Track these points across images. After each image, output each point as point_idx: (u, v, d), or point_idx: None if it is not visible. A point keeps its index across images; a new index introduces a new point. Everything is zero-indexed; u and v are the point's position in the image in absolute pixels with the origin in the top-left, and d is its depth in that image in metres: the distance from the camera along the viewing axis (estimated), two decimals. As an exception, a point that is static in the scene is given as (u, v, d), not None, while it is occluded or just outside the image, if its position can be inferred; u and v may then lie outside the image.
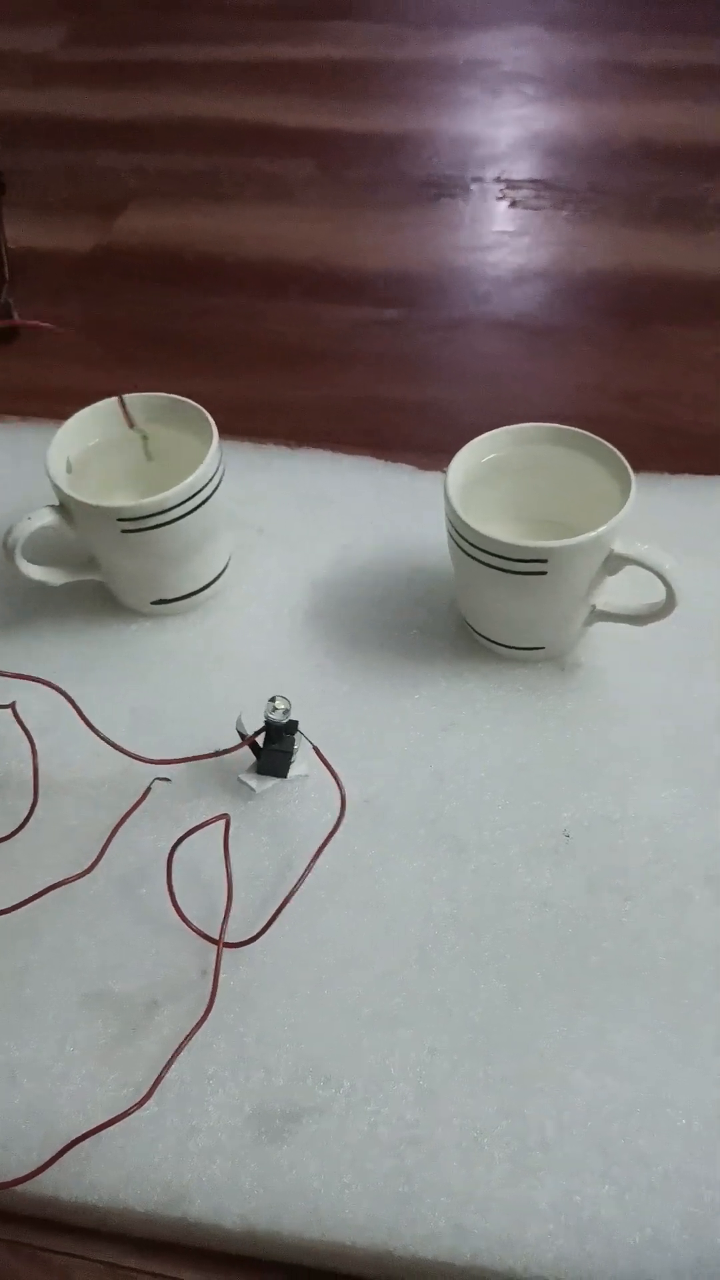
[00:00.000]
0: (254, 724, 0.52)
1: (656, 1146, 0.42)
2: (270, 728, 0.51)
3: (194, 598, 0.61)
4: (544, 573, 0.52)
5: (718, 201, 0.89)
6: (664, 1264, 0.40)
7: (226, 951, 0.47)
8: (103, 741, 0.52)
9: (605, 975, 0.46)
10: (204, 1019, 0.45)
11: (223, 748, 0.53)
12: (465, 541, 0.53)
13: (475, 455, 0.56)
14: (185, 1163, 0.43)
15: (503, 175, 0.95)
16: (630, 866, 0.50)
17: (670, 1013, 0.45)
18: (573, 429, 0.56)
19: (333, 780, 0.51)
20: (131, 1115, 0.43)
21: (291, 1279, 0.42)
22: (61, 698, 0.52)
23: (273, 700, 0.51)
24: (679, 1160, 0.42)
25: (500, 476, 0.57)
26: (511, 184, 0.94)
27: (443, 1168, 0.42)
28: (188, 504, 0.55)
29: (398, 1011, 0.46)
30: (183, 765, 0.53)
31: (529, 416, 0.57)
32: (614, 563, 0.52)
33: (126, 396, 0.60)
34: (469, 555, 0.53)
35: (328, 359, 0.79)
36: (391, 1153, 0.42)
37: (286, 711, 0.51)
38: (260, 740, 0.52)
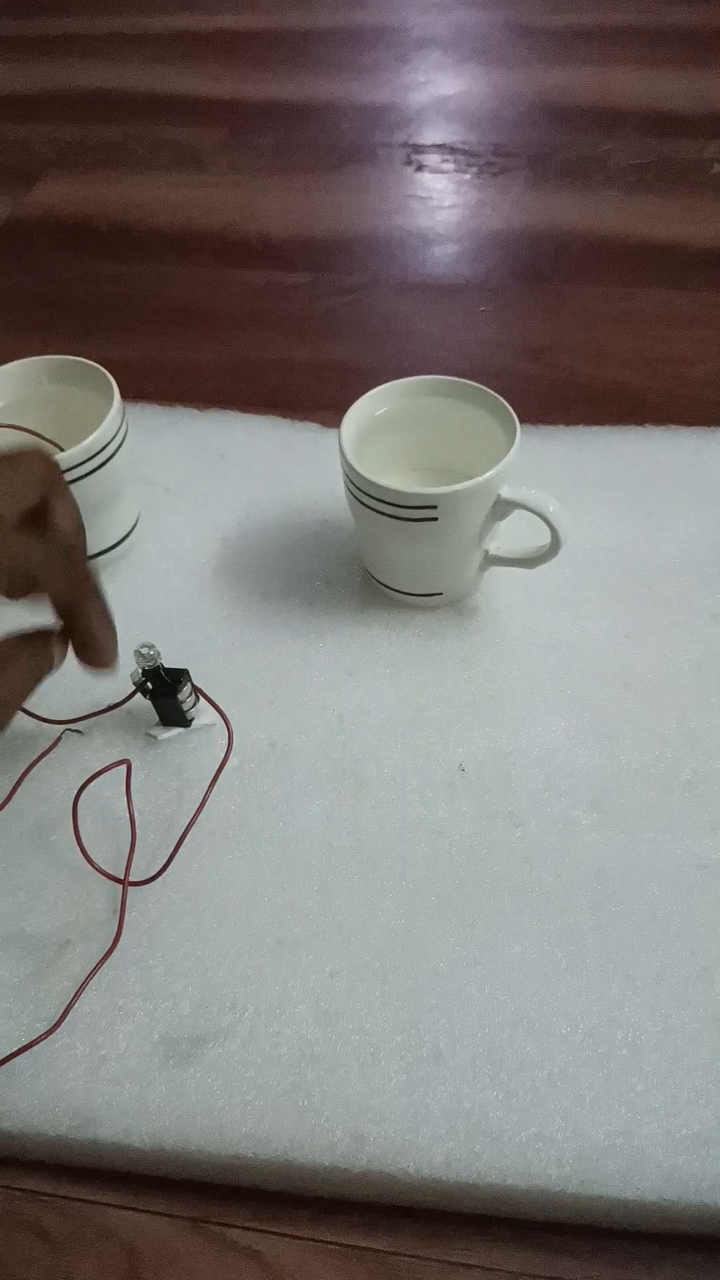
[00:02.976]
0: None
1: (541, 1052, 0.44)
2: (150, 676, 0.53)
3: (103, 556, 0.62)
4: (435, 518, 0.54)
5: (617, 161, 0.91)
6: (548, 1158, 0.42)
7: (137, 889, 0.49)
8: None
9: (496, 896, 0.49)
10: (109, 953, 0.47)
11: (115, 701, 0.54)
12: (360, 491, 0.55)
13: (369, 408, 0.58)
14: (95, 1088, 0.44)
15: (409, 140, 0.97)
16: (521, 794, 0.52)
17: (556, 929, 0.48)
18: (461, 380, 0.58)
19: (234, 723, 0.53)
20: (45, 1046, 0.45)
21: (201, 1197, 0.44)
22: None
23: (137, 650, 0.52)
24: (563, 1064, 0.44)
25: (394, 429, 0.59)
26: (418, 149, 0.96)
27: (340, 1082, 0.44)
28: (89, 463, 0.57)
29: (299, 939, 0.48)
30: (92, 717, 0.55)
31: (433, 374, 0.59)
32: (501, 508, 0.55)
33: (34, 359, 0.61)
34: (364, 505, 0.55)
35: (236, 322, 0.80)
36: (292, 1070, 0.44)
37: (152, 656, 0.52)
38: (150, 689, 0.53)
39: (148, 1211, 0.44)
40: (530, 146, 0.94)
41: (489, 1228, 0.43)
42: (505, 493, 0.54)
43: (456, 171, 0.92)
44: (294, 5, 1.17)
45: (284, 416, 0.71)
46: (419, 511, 0.53)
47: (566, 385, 0.73)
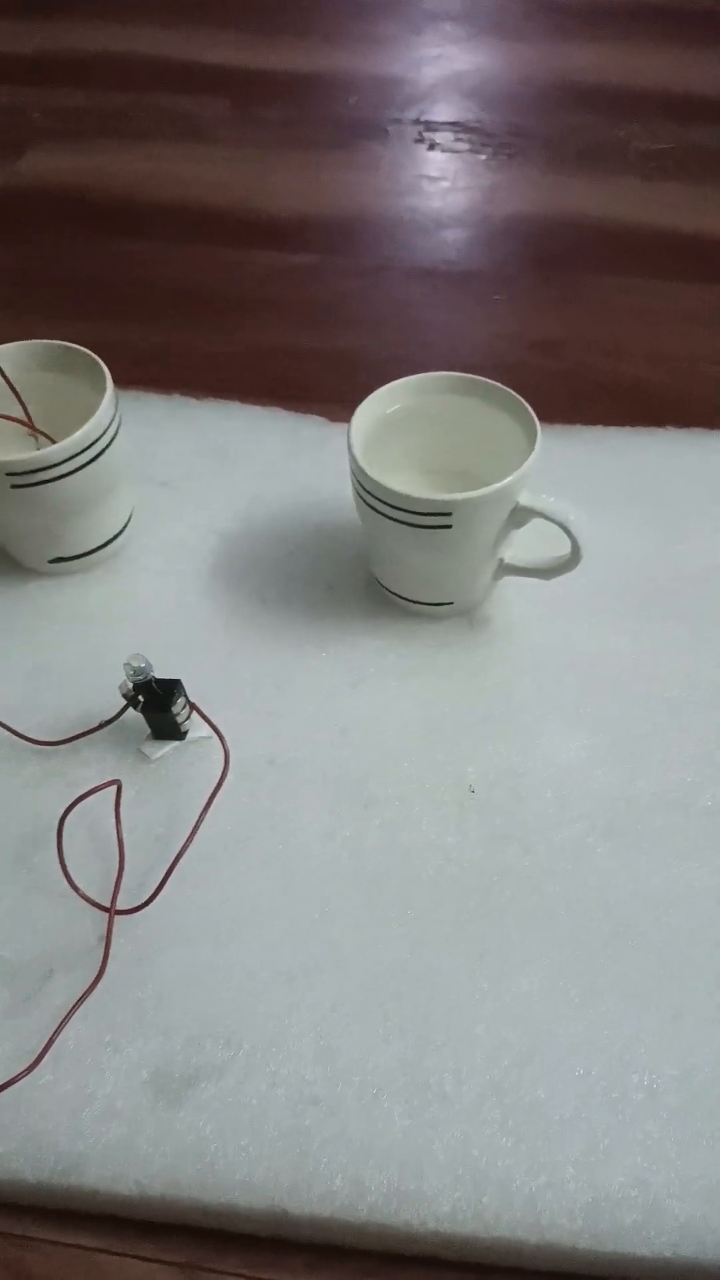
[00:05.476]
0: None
1: (552, 1095, 0.42)
2: (142, 689, 0.50)
3: (94, 555, 0.59)
4: (449, 526, 0.51)
5: (638, 146, 0.88)
6: (558, 1208, 0.40)
7: (127, 916, 0.47)
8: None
9: (505, 926, 0.46)
10: (94, 985, 0.45)
11: (107, 717, 0.51)
12: (369, 494, 0.52)
13: (380, 406, 0.55)
14: (81, 1129, 0.42)
15: (422, 117, 0.93)
16: (532, 818, 0.50)
17: (568, 962, 0.45)
18: (479, 378, 0.55)
19: (225, 738, 0.50)
20: (27, 1084, 0.42)
21: (192, 1243, 0.42)
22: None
23: (127, 662, 0.49)
24: (575, 1108, 0.42)
25: (407, 428, 0.56)
26: (431, 126, 0.92)
27: (341, 1125, 0.42)
28: (80, 458, 0.54)
29: (298, 969, 0.46)
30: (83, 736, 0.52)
31: (445, 366, 0.56)
32: (520, 515, 0.52)
33: (22, 344, 0.58)
34: (374, 509, 0.52)
35: (239, 306, 0.77)
36: (290, 1112, 0.42)
37: (143, 669, 0.49)
38: (141, 702, 0.51)
39: (137, 1257, 0.42)
40: (547, 128, 0.91)
41: (488, 1275, 0.41)
42: (524, 500, 0.51)
43: (470, 152, 0.89)
44: (303, -29, 1.13)
45: (288, 408, 0.68)
46: (432, 518, 0.50)
47: (581, 381, 0.70)
